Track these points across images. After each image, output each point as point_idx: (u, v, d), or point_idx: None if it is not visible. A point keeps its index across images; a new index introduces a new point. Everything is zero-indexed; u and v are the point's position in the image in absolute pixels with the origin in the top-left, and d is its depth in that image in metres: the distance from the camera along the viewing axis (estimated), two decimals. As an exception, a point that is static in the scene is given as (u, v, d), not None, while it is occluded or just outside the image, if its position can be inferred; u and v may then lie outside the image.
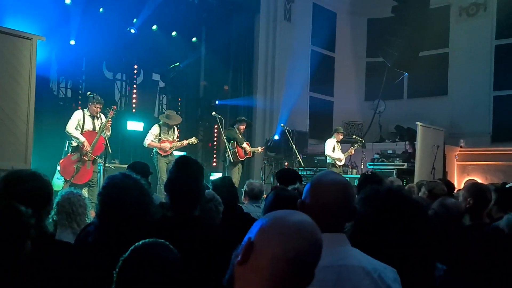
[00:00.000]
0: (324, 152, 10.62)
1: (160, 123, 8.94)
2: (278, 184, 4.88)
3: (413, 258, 1.80)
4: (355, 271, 1.62)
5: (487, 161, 12.38)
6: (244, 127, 9.97)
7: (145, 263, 1.60)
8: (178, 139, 9.10)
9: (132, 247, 1.67)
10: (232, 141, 9.53)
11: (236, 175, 9.37)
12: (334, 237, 1.70)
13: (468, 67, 13.33)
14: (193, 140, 9.25)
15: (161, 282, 1.58)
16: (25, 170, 2.49)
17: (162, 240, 1.74)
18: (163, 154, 8.60)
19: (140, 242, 1.70)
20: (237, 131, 9.72)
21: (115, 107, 7.93)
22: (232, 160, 9.42)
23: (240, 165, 9.68)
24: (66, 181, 7.44)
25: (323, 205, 1.73)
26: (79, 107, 8.71)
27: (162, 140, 8.74)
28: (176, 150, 8.95)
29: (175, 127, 9.18)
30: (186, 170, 2.53)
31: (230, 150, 9.37)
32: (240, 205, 4.37)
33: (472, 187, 3.31)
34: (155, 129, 8.83)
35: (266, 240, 1.21)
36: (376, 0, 14.54)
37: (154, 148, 8.70)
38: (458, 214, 2.98)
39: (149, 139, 8.71)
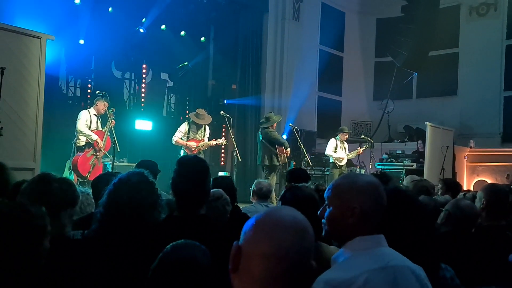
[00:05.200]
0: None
1: (190, 121, 8.80)
2: (287, 183, 4.86)
3: (419, 259, 1.80)
4: (404, 271, 1.65)
5: (497, 162, 12.28)
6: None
7: (179, 264, 1.59)
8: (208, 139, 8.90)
9: (164, 250, 1.65)
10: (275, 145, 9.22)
11: (273, 180, 9.12)
12: (377, 239, 1.72)
13: (478, 67, 13.23)
14: (221, 140, 9.10)
15: (196, 282, 1.56)
16: (60, 177, 2.52)
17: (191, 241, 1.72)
18: (188, 153, 8.36)
19: (171, 245, 1.68)
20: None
21: (114, 109, 8.02)
22: (276, 163, 9.13)
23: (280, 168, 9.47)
24: (83, 177, 7.49)
25: (369, 209, 1.72)
26: (88, 106, 8.73)
27: (190, 138, 8.63)
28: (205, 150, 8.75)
29: (207, 127, 8.94)
30: (189, 170, 2.50)
31: (276, 155, 9.11)
32: (240, 204, 4.34)
33: (489, 187, 3.25)
34: (183, 127, 8.71)
35: (251, 242, 1.19)
36: (385, 0, 14.47)
37: (181, 146, 8.63)
38: (473, 215, 2.93)
39: (177, 137, 8.61)
